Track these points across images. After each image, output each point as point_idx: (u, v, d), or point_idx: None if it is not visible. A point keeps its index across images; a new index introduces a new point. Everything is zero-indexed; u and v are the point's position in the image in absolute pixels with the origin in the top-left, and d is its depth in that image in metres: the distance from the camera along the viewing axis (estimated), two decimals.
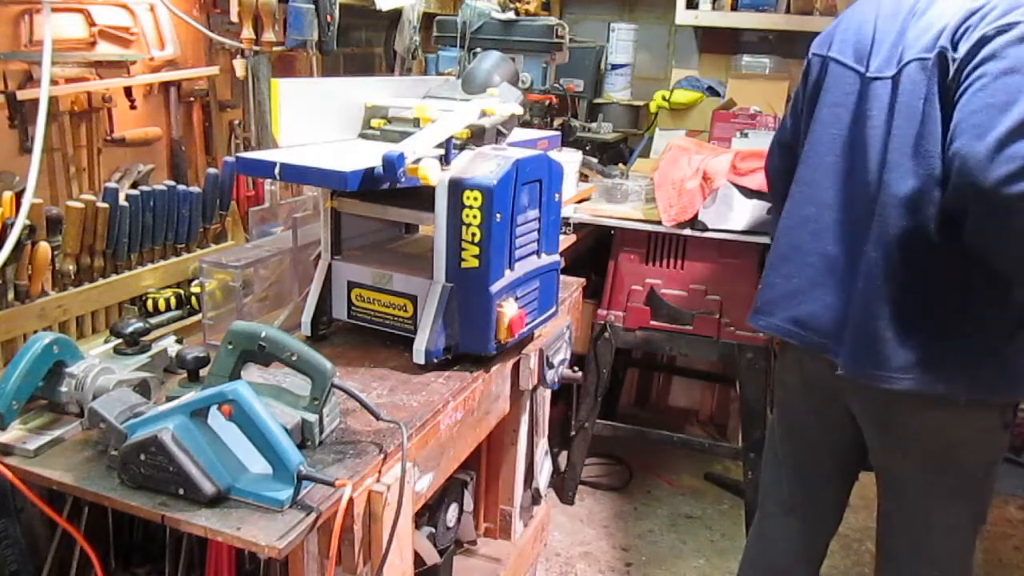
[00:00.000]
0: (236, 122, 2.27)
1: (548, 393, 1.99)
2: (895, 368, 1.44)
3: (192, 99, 2.14)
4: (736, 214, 2.42)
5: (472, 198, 1.39)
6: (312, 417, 1.19)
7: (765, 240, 2.43)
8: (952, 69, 1.36)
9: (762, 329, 1.71)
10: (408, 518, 1.25)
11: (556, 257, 1.66)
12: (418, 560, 1.64)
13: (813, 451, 1.75)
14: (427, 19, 2.75)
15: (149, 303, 1.65)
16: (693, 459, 3.14)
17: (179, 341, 1.48)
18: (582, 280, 2.08)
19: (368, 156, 1.38)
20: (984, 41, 1.31)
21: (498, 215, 1.40)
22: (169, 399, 1.19)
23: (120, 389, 1.21)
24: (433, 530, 1.76)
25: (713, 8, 3.15)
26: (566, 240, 2.46)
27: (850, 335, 1.51)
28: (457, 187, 1.40)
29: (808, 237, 1.60)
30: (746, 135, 2.70)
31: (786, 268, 1.64)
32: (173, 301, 1.66)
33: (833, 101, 1.57)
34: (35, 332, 1.42)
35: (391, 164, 1.28)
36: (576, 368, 1.83)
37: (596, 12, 3.67)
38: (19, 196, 1.44)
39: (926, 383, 1.43)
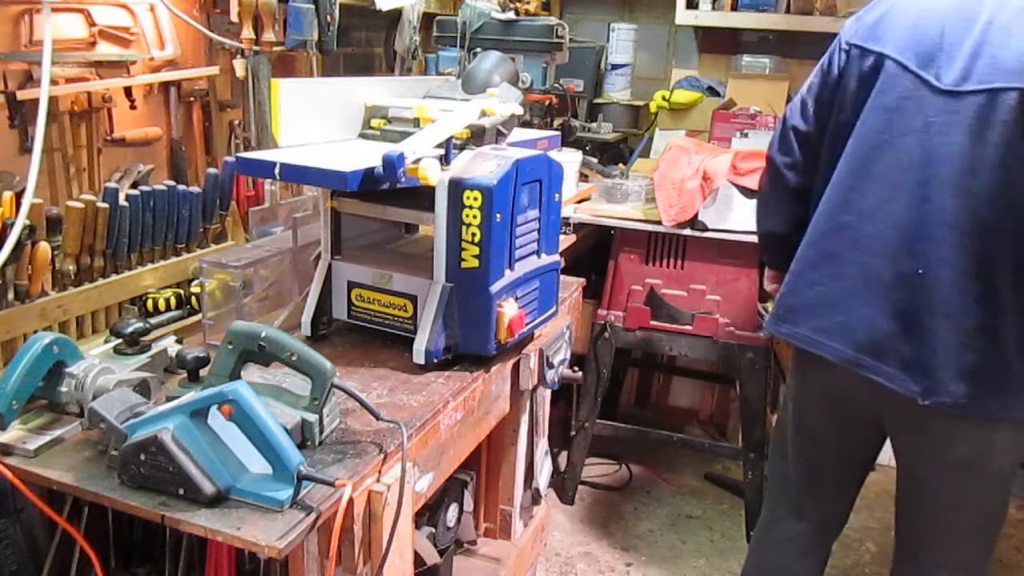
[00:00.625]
0: (236, 122, 2.27)
1: (548, 393, 1.99)
2: (993, 395, 1.42)
3: (192, 99, 2.14)
4: (736, 214, 2.42)
5: (472, 198, 1.39)
6: (312, 417, 1.19)
7: None
8: None
9: (784, 337, 1.63)
10: (408, 518, 1.25)
11: (556, 257, 1.66)
12: (418, 560, 1.64)
13: (828, 457, 1.74)
14: (427, 19, 2.75)
15: (149, 303, 1.65)
16: (693, 459, 3.14)
17: (179, 341, 1.48)
18: (582, 280, 2.08)
19: (368, 156, 1.38)
20: None
21: (498, 215, 1.40)
22: (169, 399, 1.19)
23: (120, 389, 1.21)
24: (433, 530, 1.76)
25: (713, 8, 3.15)
26: (566, 240, 2.46)
27: (935, 360, 1.43)
28: (457, 187, 1.40)
29: (845, 246, 1.51)
30: (746, 135, 2.70)
31: (815, 275, 1.56)
32: (173, 301, 1.66)
33: (887, 105, 1.46)
34: (35, 332, 1.42)
35: (391, 164, 1.28)
36: (576, 368, 1.83)
37: (596, 12, 3.67)
38: (19, 196, 1.43)
39: (1016, 409, 1.43)
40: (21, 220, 1.39)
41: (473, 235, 1.41)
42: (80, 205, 1.53)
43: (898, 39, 1.46)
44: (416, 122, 1.52)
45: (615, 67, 3.38)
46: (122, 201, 1.62)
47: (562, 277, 1.75)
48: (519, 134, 1.72)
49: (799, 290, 1.59)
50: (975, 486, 1.56)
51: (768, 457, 1.90)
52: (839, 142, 1.54)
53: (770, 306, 1.82)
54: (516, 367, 1.64)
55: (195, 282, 1.69)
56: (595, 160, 2.95)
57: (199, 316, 1.62)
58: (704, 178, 2.43)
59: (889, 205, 1.46)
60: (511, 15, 2.40)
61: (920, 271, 1.43)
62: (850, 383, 1.56)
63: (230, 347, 1.22)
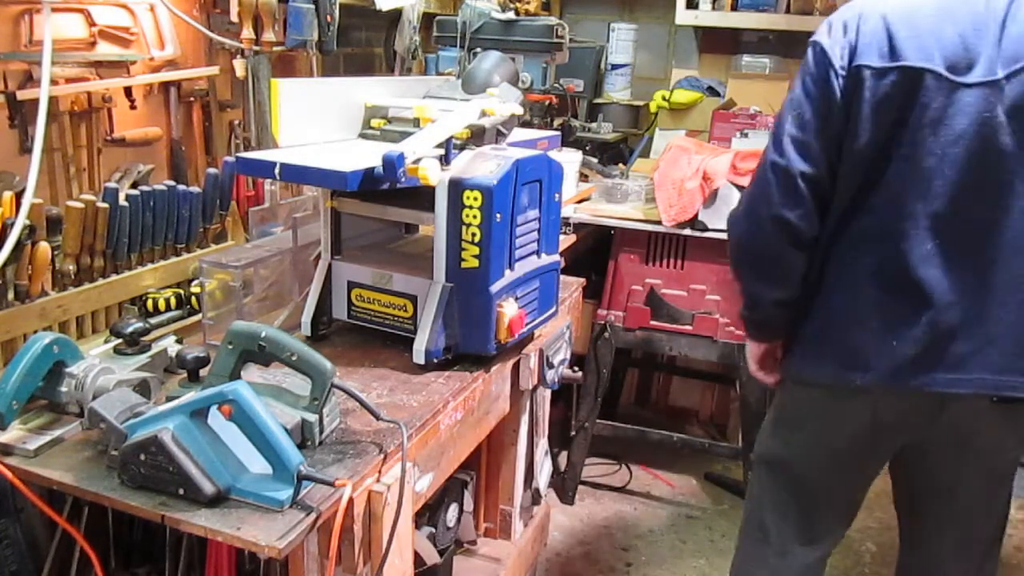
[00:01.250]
0: (236, 122, 2.27)
1: (548, 393, 1.99)
2: None
3: (192, 99, 2.14)
4: None
5: (472, 198, 1.39)
6: (312, 417, 1.19)
7: None
8: None
9: (917, 388, 1.42)
10: (408, 518, 1.25)
11: (556, 257, 1.66)
12: (418, 560, 1.64)
13: (853, 488, 1.66)
14: (427, 19, 2.75)
15: (149, 303, 1.65)
16: (693, 459, 3.14)
17: (179, 341, 1.48)
18: (582, 280, 2.08)
19: (368, 156, 1.38)
20: None
21: (498, 215, 1.40)
22: (169, 399, 1.19)
23: (120, 389, 1.21)
24: (433, 530, 1.76)
25: (713, 8, 3.15)
26: (566, 240, 2.46)
27: None
28: (457, 187, 1.40)
29: (940, 275, 1.38)
30: (746, 135, 2.70)
31: (925, 319, 1.40)
32: (173, 301, 1.66)
33: (932, 119, 1.35)
34: (35, 332, 1.42)
35: (391, 164, 1.28)
36: (576, 368, 1.83)
37: (596, 12, 3.67)
38: (19, 196, 1.44)
39: None
40: (21, 220, 1.39)
41: (473, 235, 1.41)
42: (80, 205, 1.53)
43: (919, 48, 1.34)
44: (416, 122, 1.52)
45: (615, 67, 3.38)
46: (122, 201, 1.62)
47: (562, 277, 1.75)
48: (519, 134, 1.72)
49: (949, 333, 1.40)
50: (1001, 487, 1.56)
51: (766, 484, 1.73)
52: (856, 173, 1.41)
53: None
54: (516, 367, 1.64)
55: (195, 282, 1.69)
56: (595, 160, 2.95)
57: (199, 316, 1.62)
58: (704, 178, 2.43)
59: (974, 216, 1.36)
60: (511, 15, 2.41)
61: (989, 275, 1.37)
62: (904, 407, 1.48)
63: (230, 347, 1.22)
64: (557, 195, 1.61)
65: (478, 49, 2.18)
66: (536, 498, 2.04)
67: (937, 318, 1.39)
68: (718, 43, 3.46)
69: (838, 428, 1.56)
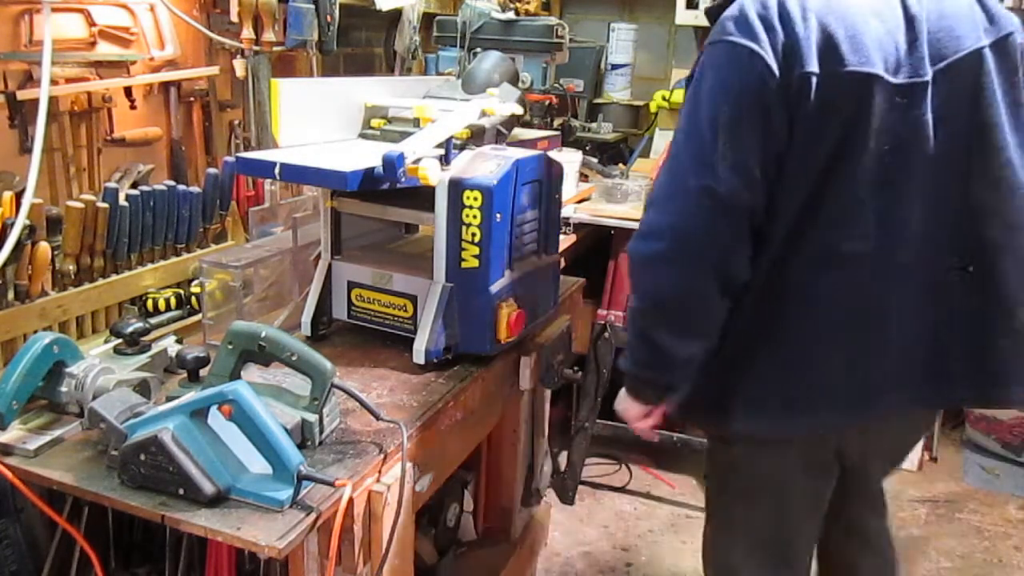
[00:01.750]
0: (236, 122, 2.27)
1: (548, 393, 1.99)
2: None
3: (192, 99, 2.14)
4: None
5: (472, 198, 1.39)
6: (312, 417, 1.19)
7: None
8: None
9: (885, 409, 1.37)
10: (408, 518, 1.25)
11: (556, 257, 1.66)
12: (418, 560, 1.64)
13: (818, 526, 1.56)
14: (427, 19, 2.75)
15: (149, 303, 1.65)
16: (693, 459, 3.14)
17: (179, 341, 1.48)
18: (582, 280, 2.08)
19: (368, 156, 1.38)
20: None
21: (498, 215, 1.40)
22: (169, 399, 1.19)
23: (120, 389, 1.21)
24: (433, 530, 1.76)
25: None
26: (566, 240, 2.46)
27: (986, 362, 1.34)
28: (457, 187, 1.40)
29: (900, 289, 1.30)
30: None
31: (906, 329, 1.32)
32: (173, 301, 1.67)
33: (878, 128, 1.23)
34: (35, 332, 1.42)
35: (391, 164, 1.28)
36: (576, 368, 1.83)
37: (596, 12, 3.68)
38: (19, 196, 1.44)
39: None
40: (21, 220, 1.39)
41: (473, 235, 1.41)
42: (80, 205, 1.53)
43: (860, 51, 1.21)
44: (416, 122, 1.53)
45: (615, 67, 3.38)
46: (122, 201, 1.63)
47: (562, 277, 1.75)
48: (519, 134, 1.72)
49: (875, 364, 1.31)
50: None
51: (742, 553, 1.56)
52: (798, 193, 1.25)
53: None
54: (516, 367, 1.64)
55: (195, 282, 1.69)
56: (595, 160, 2.95)
57: (199, 316, 1.62)
58: None
59: (922, 221, 1.27)
60: (511, 15, 2.41)
61: (971, 268, 1.30)
62: (865, 430, 1.43)
63: (230, 347, 1.22)
64: (557, 195, 1.61)
65: (478, 49, 2.18)
66: (536, 498, 2.04)
67: (901, 334, 1.31)
68: None
69: (803, 474, 1.44)
